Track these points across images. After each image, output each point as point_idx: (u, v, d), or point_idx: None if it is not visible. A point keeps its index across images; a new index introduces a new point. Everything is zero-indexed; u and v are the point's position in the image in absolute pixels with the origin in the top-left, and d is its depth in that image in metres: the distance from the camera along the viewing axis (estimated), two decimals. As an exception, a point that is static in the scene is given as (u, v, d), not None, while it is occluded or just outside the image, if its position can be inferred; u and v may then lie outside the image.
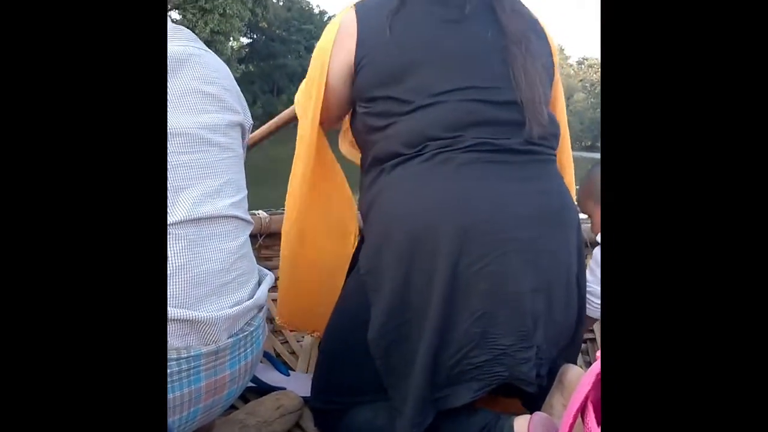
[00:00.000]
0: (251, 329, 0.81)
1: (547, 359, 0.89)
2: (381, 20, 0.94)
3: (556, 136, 1.00)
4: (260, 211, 1.44)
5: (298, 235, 1.12)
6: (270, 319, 1.42)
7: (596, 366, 0.58)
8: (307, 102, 1.05)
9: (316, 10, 32.58)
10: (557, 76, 1.09)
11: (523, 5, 1.02)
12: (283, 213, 1.46)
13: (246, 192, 0.90)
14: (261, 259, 1.41)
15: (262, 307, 0.87)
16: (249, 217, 0.88)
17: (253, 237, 1.39)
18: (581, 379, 0.59)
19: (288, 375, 1.25)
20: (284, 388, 1.13)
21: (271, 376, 1.22)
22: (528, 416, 0.83)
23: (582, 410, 0.59)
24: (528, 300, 0.86)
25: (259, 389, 1.14)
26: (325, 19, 30.80)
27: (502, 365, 0.85)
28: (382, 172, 0.95)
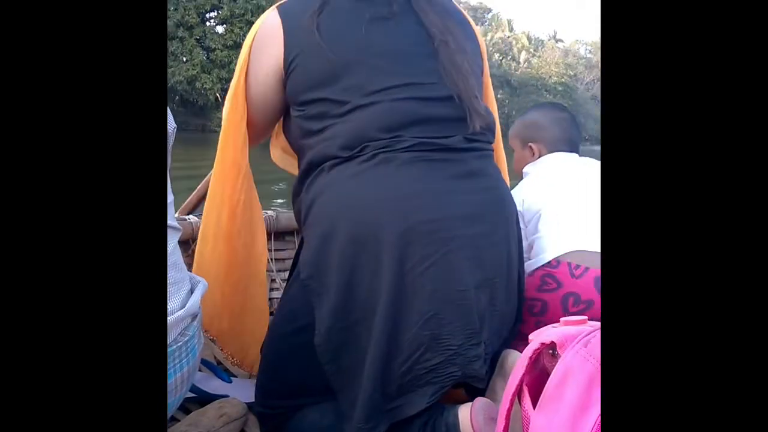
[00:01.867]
0: (185, 339, 0.79)
1: (492, 353, 0.91)
2: (307, 20, 0.92)
3: (492, 129, 1.01)
4: (191, 216, 1.40)
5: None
6: (208, 326, 1.39)
7: (528, 350, 0.59)
8: (232, 114, 1.01)
9: None
10: (486, 70, 1.10)
11: (446, 2, 1.02)
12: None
13: (173, 197, 0.87)
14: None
15: (196, 316, 0.84)
16: (176, 223, 0.85)
17: (185, 243, 1.36)
18: (515, 363, 0.61)
19: (230, 382, 1.22)
20: (227, 396, 1.11)
21: (212, 384, 1.19)
22: (470, 403, 0.85)
23: (518, 394, 0.60)
24: (473, 297, 0.87)
25: (201, 399, 1.11)
26: None
27: (454, 365, 0.85)
28: (320, 174, 0.93)
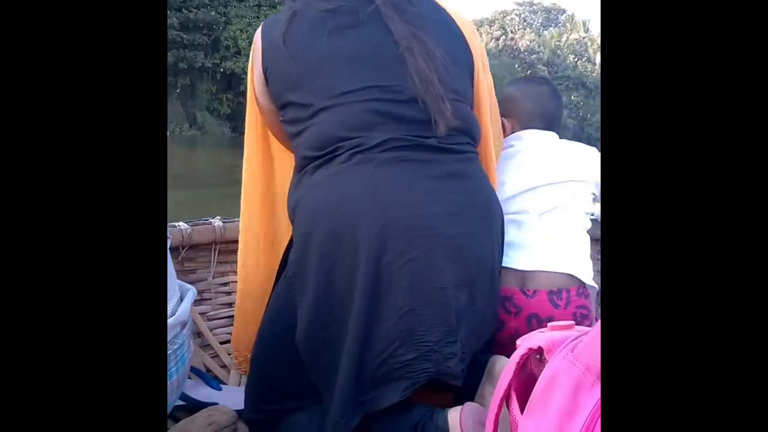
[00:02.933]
0: (175, 347, 0.79)
1: (469, 352, 0.91)
2: (276, 33, 0.99)
3: (471, 133, 1.01)
4: (181, 223, 1.40)
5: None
6: (197, 333, 1.39)
7: (516, 355, 0.60)
8: (250, 118, 1.13)
9: None
10: (479, 72, 1.09)
11: (420, 5, 1.02)
12: (205, 224, 1.43)
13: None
14: (184, 273, 1.37)
15: (186, 324, 0.84)
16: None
17: (174, 250, 1.35)
18: (503, 369, 0.62)
19: (220, 389, 1.22)
20: (216, 403, 1.10)
21: (202, 392, 1.19)
22: (460, 408, 0.85)
23: (506, 399, 0.61)
24: (452, 295, 0.88)
25: (190, 406, 1.10)
26: None
27: (429, 362, 0.86)
28: (304, 175, 0.96)
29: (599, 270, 1.43)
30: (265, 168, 1.18)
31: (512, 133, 1.30)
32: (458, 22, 1.07)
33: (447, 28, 1.05)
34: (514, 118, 1.31)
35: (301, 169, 0.98)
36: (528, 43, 46.11)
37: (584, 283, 1.16)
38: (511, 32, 48.46)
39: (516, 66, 42.34)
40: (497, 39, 47.66)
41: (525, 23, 49.67)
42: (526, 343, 0.61)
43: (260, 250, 1.17)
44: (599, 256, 1.48)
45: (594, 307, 1.20)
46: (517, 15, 50.51)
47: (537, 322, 1.11)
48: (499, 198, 1.12)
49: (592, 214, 1.26)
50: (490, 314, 0.98)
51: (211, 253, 1.45)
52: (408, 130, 0.92)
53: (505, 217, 1.07)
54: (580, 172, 1.22)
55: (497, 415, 0.61)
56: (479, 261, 0.93)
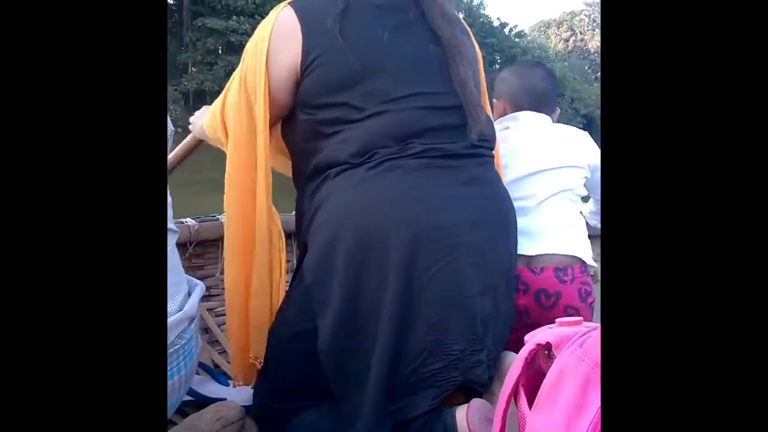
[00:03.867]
0: (182, 342, 0.79)
1: (495, 359, 0.91)
2: (330, 22, 0.90)
3: (491, 136, 1.01)
4: (188, 219, 1.40)
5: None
6: (205, 329, 1.39)
7: (524, 351, 0.60)
8: (248, 113, 0.96)
9: (497, 23, 30.62)
10: (482, 78, 1.11)
11: (450, 9, 1.02)
12: (213, 220, 1.43)
13: (170, 199, 0.87)
14: (192, 269, 1.38)
15: (193, 319, 0.84)
16: (174, 226, 0.85)
17: (182, 246, 1.36)
18: (512, 364, 0.61)
19: (228, 385, 1.22)
20: (224, 399, 1.10)
21: (210, 387, 1.19)
22: (467, 404, 0.85)
23: (514, 395, 0.61)
24: (478, 303, 0.88)
25: (198, 402, 1.11)
26: (506, 31, 29.06)
27: (457, 370, 0.86)
28: (326, 179, 0.92)
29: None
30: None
31: (504, 113, 1.34)
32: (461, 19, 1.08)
33: (465, 32, 1.05)
34: (505, 98, 1.35)
35: (321, 172, 0.92)
36: (598, 44, 45.43)
37: (585, 262, 1.21)
38: (581, 33, 47.75)
39: (586, 68, 41.69)
40: (566, 40, 46.98)
41: (594, 24, 48.44)
42: (534, 338, 0.60)
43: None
44: (599, 258, 1.52)
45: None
46: (586, 16, 49.48)
47: (545, 297, 1.16)
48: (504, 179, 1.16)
49: (583, 197, 1.33)
50: (510, 316, 0.98)
51: (218, 249, 1.45)
52: (443, 137, 0.91)
53: None
54: (574, 157, 1.27)
55: (505, 411, 0.61)
56: (500, 266, 0.93)
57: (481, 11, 30.87)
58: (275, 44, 0.92)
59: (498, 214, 0.95)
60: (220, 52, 19.34)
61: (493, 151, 1.03)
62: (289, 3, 0.95)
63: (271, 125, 1.00)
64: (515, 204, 1.14)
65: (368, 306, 0.85)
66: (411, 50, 0.93)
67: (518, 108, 1.32)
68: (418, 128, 0.89)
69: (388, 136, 0.88)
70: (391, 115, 0.89)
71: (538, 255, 1.18)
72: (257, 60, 0.93)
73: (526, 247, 1.17)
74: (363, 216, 0.86)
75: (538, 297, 1.16)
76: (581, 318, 0.61)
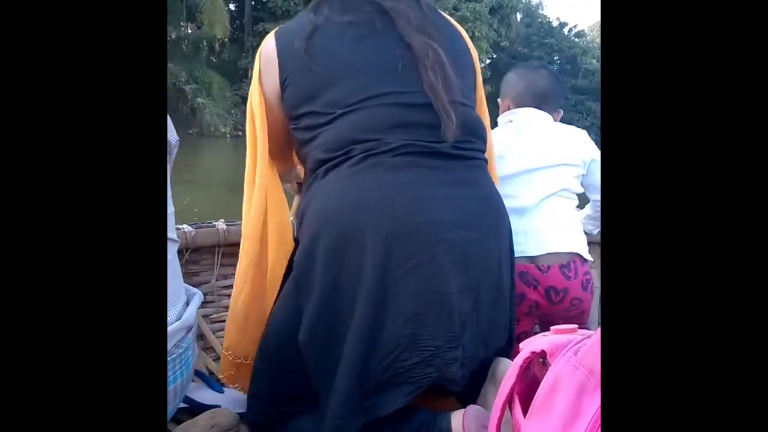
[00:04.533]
0: (180, 351, 0.79)
1: (472, 357, 0.91)
2: (297, 43, 0.99)
3: (480, 137, 1.02)
4: (185, 226, 1.40)
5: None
6: (200, 336, 1.39)
7: (519, 358, 0.60)
8: (251, 132, 1.08)
9: (555, 23, 30.11)
10: (479, 82, 1.13)
11: (431, 15, 1.04)
12: (209, 226, 1.43)
13: (173, 209, 0.87)
14: (188, 275, 1.38)
15: (191, 328, 0.84)
16: (175, 236, 0.86)
17: (179, 252, 1.36)
18: (506, 372, 0.62)
19: (222, 392, 1.22)
20: (219, 406, 1.10)
21: (204, 394, 1.19)
22: (463, 411, 0.85)
23: (509, 402, 0.61)
24: (456, 300, 0.88)
25: (193, 409, 1.11)
26: (566, 31, 28.81)
27: (431, 366, 0.87)
28: (315, 179, 0.97)
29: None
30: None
31: (507, 110, 1.42)
32: (455, 26, 1.10)
33: (452, 33, 1.07)
34: (510, 96, 1.43)
35: (311, 173, 0.99)
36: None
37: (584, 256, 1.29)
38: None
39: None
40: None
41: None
42: (529, 346, 0.61)
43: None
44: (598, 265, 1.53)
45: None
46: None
47: (555, 293, 1.26)
48: (498, 174, 1.22)
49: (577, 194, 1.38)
50: (498, 321, 0.97)
51: (214, 256, 1.45)
52: (421, 134, 0.93)
53: (505, 199, 1.10)
54: (570, 154, 1.34)
55: (500, 418, 0.61)
56: (484, 267, 0.94)
57: (540, 11, 30.45)
58: (263, 69, 1.05)
59: (486, 216, 0.96)
60: (279, 56, 19.38)
61: (485, 154, 1.04)
62: (275, 30, 1.07)
63: (282, 144, 1.12)
64: (512, 201, 1.19)
65: (345, 300, 0.87)
66: (375, 57, 0.98)
67: (520, 105, 1.40)
68: (390, 122, 0.93)
69: (360, 131, 0.93)
70: (359, 112, 0.94)
71: (541, 255, 1.25)
72: (253, 82, 1.07)
73: (530, 247, 1.25)
74: (343, 211, 0.90)
75: (548, 294, 1.26)
76: (575, 326, 0.62)
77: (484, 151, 1.04)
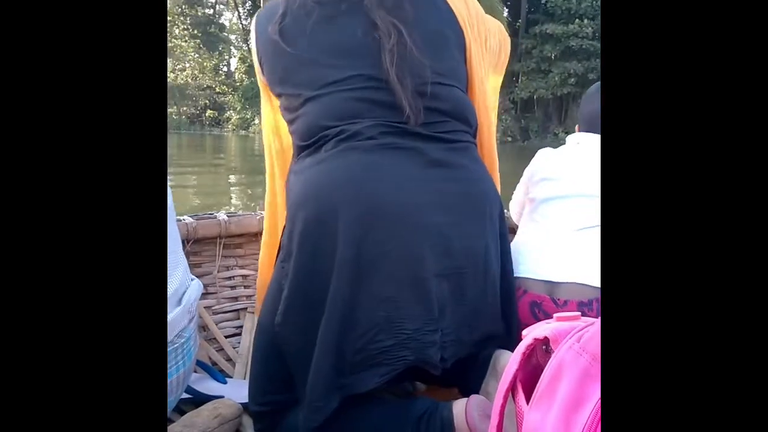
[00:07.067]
0: (181, 341, 0.79)
1: (454, 342, 0.90)
2: (270, 27, 1.01)
3: (462, 118, 0.99)
4: (186, 217, 1.40)
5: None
6: (203, 327, 1.39)
7: (521, 346, 0.60)
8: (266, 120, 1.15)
9: None
10: (471, 51, 1.06)
11: None
12: (210, 218, 1.43)
13: (171, 206, 0.87)
14: (190, 267, 1.37)
15: (192, 318, 0.84)
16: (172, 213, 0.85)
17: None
18: (509, 360, 0.61)
19: (225, 383, 1.22)
20: (222, 396, 1.11)
21: (207, 385, 1.19)
22: (465, 399, 0.85)
23: (512, 390, 0.61)
24: (433, 284, 0.87)
25: (196, 400, 1.11)
26: None
27: (407, 349, 0.86)
28: (296, 163, 0.99)
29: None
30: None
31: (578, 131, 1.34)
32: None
33: (432, 6, 1.03)
34: (580, 117, 1.35)
35: (294, 158, 1.01)
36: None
37: None
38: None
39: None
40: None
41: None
42: (531, 333, 0.60)
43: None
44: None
45: None
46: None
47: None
48: (537, 196, 1.19)
49: None
50: (485, 307, 0.95)
51: (216, 247, 1.45)
52: (394, 115, 0.92)
53: (537, 220, 1.09)
54: None
55: (503, 406, 0.61)
56: (468, 251, 0.92)
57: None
58: (252, 50, 1.09)
59: (471, 200, 0.94)
60: (553, 58, 19.16)
61: (471, 136, 1.02)
62: (258, 11, 1.11)
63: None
64: (544, 222, 1.16)
65: (320, 282, 0.87)
66: (341, 39, 0.98)
67: (581, 129, 1.33)
68: (360, 107, 0.93)
69: (328, 118, 0.93)
70: (326, 98, 0.94)
71: (563, 282, 1.11)
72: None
73: (551, 272, 1.12)
74: (319, 194, 0.90)
75: None
76: (579, 313, 0.62)
77: (471, 133, 1.01)
